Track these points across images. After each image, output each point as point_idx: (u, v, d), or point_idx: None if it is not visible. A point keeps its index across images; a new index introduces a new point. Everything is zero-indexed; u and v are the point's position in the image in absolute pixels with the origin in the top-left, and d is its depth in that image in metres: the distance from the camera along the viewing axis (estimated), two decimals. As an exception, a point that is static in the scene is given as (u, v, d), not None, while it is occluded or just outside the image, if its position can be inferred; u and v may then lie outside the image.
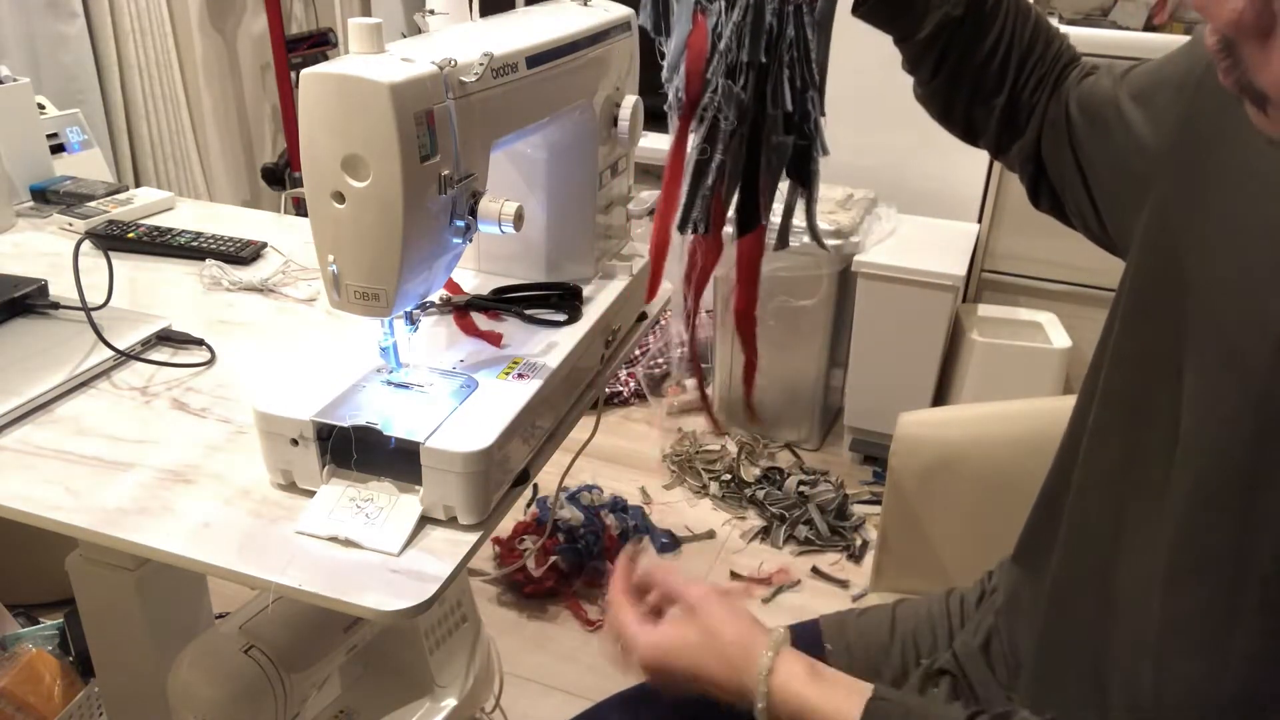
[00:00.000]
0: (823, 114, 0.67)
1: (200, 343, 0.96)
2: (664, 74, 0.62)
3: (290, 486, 0.75)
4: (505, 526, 1.94)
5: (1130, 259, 0.70)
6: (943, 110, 0.80)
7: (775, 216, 0.71)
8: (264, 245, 1.20)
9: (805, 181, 0.69)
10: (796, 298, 2.18)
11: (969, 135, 0.81)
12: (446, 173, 0.69)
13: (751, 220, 0.67)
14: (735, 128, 0.61)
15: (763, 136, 0.63)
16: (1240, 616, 0.57)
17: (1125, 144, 0.71)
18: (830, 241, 2.08)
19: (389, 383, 0.77)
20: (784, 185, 0.70)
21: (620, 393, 2.46)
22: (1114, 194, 0.73)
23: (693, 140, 0.63)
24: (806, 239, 0.77)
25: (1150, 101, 0.69)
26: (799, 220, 0.73)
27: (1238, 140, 0.60)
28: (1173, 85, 0.68)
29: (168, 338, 0.96)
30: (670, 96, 0.62)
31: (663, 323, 2.49)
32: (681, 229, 0.65)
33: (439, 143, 0.67)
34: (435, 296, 0.89)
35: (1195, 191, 0.63)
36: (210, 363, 0.94)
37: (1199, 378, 0.60)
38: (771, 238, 0.73)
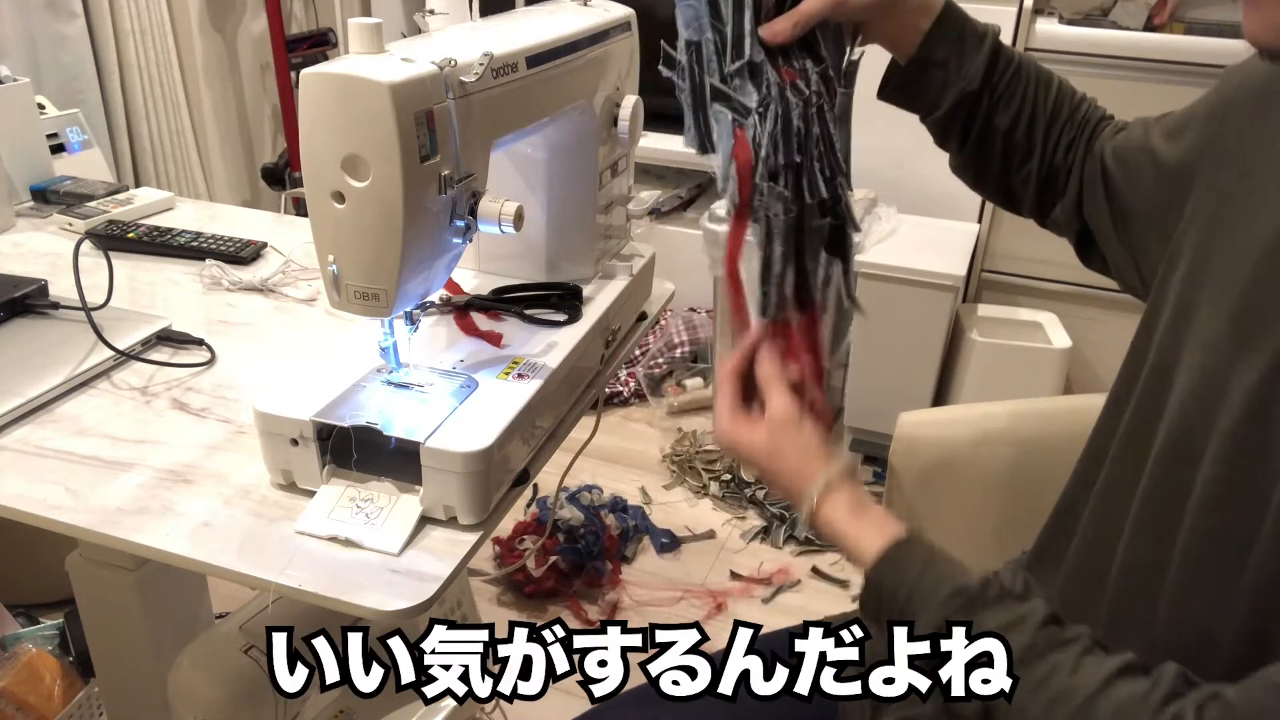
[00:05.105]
0: (851, 189, 0.74)
1: (200, 343, 0.96)
2: (719, 184, 0.70)
3: (290, 486, 0.75)
4: (505, 526, 1.94)
5: (1161, 280, 0.69)
6: (977, 179, 0.83)
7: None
8: (264, 245, 1.20)
9: (844, 256, 0.75)
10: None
11: (1010, 203, 0.83)
12: (446, 173, 0.69)
13: (807, 299, 0.74)
14: (784, 221, 0.69)
15: (804, 225, 0.71)
16: (1229, 625, 0.57)
17: (1156, 181, 0.71)
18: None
19: (389, 383, 0.77)
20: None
21: (620, 393, 2.46)
22: (1148, 241, 0.73)
23: (753, 239, 0.70)
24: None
25: (1182, 134, 0.71)
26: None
27: (1267, 144, 0.60)
28: (1202, 116, 0.69)
29: (168, 338, 0.96)
30: (726, 203, 0.70)
31: (663, 323, 2.49)
32: (766, 314, 0.72)
33: (439, 143, 0.67)
34: (435, 296, 0.89)
35: (1228, 200, 0.64)
36: (210, 363, 0.94)
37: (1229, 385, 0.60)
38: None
